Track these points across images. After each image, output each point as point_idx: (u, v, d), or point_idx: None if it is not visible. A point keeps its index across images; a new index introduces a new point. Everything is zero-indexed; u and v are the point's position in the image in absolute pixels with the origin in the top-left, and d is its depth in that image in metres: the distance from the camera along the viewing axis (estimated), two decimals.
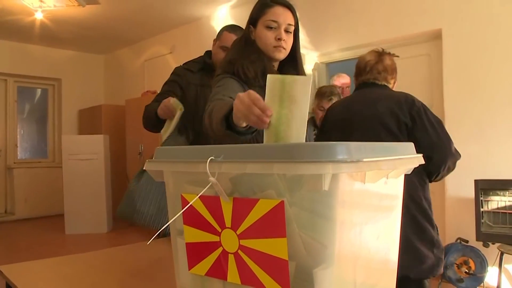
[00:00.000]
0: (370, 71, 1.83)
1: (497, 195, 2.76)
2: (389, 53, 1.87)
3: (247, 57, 1.43)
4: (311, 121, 2.89)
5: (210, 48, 2.22)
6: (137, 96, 5.90)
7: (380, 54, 1.86)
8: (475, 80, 3.20)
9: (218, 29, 2.19)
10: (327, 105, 2.69)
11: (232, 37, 1.93)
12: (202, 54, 2.18)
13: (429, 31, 3.47)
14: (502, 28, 3.07)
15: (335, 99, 2.72)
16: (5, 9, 4.87)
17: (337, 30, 4.08)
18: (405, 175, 1.24)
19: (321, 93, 2.76)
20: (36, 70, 6.63)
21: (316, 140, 2.38)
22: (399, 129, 1.67)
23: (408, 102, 1.69)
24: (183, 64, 2.12)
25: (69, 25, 5.59)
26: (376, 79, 1.82)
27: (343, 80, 3.59)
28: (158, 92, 2.15)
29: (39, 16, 4.95)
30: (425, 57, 3.61)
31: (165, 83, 2.09)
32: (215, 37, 2.14)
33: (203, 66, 2.05)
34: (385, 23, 3.70)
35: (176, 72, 2.08)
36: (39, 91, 7.04)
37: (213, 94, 1.37)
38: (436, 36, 3.46)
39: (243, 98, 0.90)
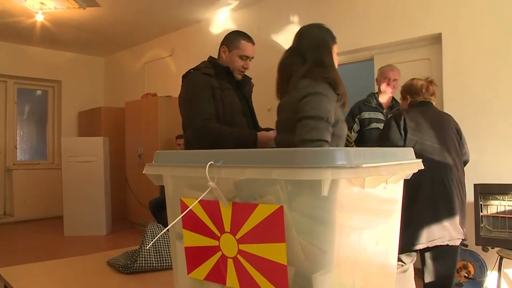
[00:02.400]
0: (426, 92, 2.41)
1: (496, 199, 2.75)
2: (432, 81, 2.47)
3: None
4: None
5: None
6: (137, 99, 5.91)
7: (429, 81, 2.45)
8: (474, 84, 3.21)
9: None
10: None
11: (253, 49, 2.15)
12: (205, 60, 2.21)
13: (429, 35, 3.48)
14: (502, 32, 3.08)
15: None
16: (6, 11, 4.88)
17: (337, 34, 4.06)
18: (458, 168, 1.88)
19: None
20: (36, 72, 6.64)
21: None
22: (457, 136, 2.35)
23: (455, 120, 2.41)
24: (194, 70, 2.10)
25: (70, 27, 5.60)
26: (430, 99, 2.42)
27: (396, 75, 3.13)
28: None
29: (39, 18, 4.96)
30: (425, 61, 3.61)
31: (195, 95, 2.02)
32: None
33: (216, 70, 2.10)
34: (385, 28, 3.71)
35: (197, 78, 2.05)
36: (39, 93, 7.04)
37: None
38: (436, 40, 3.47)
39: None
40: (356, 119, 3.18)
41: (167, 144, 5.24)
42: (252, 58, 2.18)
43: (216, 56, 2.21)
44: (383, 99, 3.21)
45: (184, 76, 2.15)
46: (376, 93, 3.25)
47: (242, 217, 0.70)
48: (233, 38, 2.15)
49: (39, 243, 4.90)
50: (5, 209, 6.40)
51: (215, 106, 2.02)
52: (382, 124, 3.01)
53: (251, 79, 2.32)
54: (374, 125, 3.08)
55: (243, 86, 2.25)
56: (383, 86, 3.15)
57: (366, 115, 3.14)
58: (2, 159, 6.44)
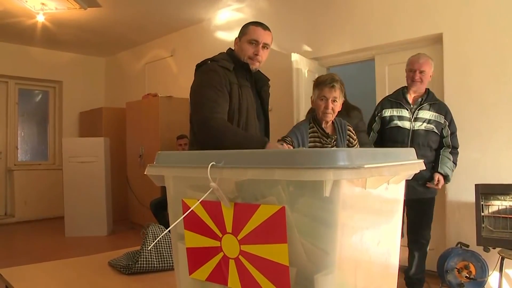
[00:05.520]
0: None
1: (498, 199, 2.75)
2: None
3: None
4: (308, 119, 2.41)
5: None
6: (138, 99, 5.91)
7: None
8: (475, 85, 3.21)
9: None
10: (329, 93, 2.25)
11: (264, 34, 1.95)
12: (223, 51, 2.07)
13: (429, 35, 3.48)
14: (502, 32, 3.07)
15: (337, 86, 2.27)
16: (7, 11, 4.89)
17: (338, 34, 4.09)
18: None
19: (321, 81, 2.32)
20: (37, 73, 6.65)
21: None
22: None
23: None
24: (212, 61, 1.93)
25: (71, 28, 5.61)
26: None
27: (423, 66, 2.82)
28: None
29: (40, 18, 4.97)
30: None
31: (211, 86, 1.83)
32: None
33: (235, 64, 1.95)
34: (386, 28, 3.71)
35: (214, 69, 1.88)
36: (40, 93, 7.05)
37: None
38: (437, 40, 3.46)
39: None
40: (377, 118, 2.96)
41: (168, 145, 5.25)
42: (266, 45, 1.98)
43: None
44: (412, 94, 2.87)
45: (198, 66, 1.98)
46: (405, 87, 2.91)
47: (244, 218, 0.70)
48: (243, 27, 2.02)
49: (40, 244, 4.91)
50: (6, 210, 6.41)
51: (231, 103, 1.87)
52: (405, 122, 2.81)
53: (269, 80, 2.14)
54: (394, 123, 2.83)
55: (260, 86, 2.08)
56: (408, 81, 2.86)
57: (388, 112, 2.89)
58: (3, 159, 6.45)
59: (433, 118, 2.79)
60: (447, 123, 2.82)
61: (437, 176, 2.75)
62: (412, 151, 0.89)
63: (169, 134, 5.26)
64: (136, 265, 1.33)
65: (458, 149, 2.85)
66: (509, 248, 2.65)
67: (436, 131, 2.80)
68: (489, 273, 2.83)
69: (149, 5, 4.88)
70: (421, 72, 2.77)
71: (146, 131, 5.53)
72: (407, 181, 2.85)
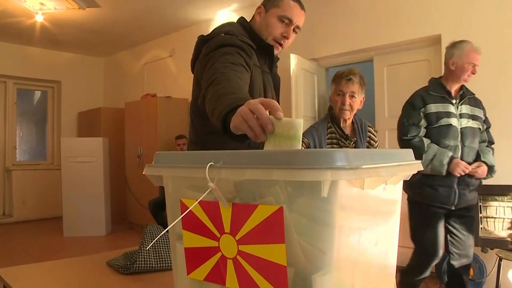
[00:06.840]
0: None
1: (496, 200, 2.76)
2: None
3: None
4: (327, 117, 2.22)
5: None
6: (137, 99, 5.91)
7: None
8: (474, 85, 3.20)
9: None
10: (346, 87, 2.08)
11: (300, 13, 1.50)
12: (232, 22, 1.61)
13: (428, 36, 3.49)
14: (501, 33, 3.08)
15: (356, 80, 2.09)
16: (5, 11, 4.88)
17: (337, 35, 4.09)
18: None
19: (338, 75, 2.15)
20: (35, 72, 6.64)
21: None
22: None
23: None
24: (227, 35, 1.38)
25: (70, 28, 5.60)
26: None
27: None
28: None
29: (39, 18, 4.96)
30: (425, 63, 3.62)
31: (226, 52, 1.29)
32: None
33: (254, 41, 1.46)
34: (385, 29, 3.72)
35: (236, 44, 1.34)
36: (38, 93, 7.05)
37: None
38: (436, 42, 3.47)
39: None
40: (421, 113, 2.45)
41: (166, 145, 5.25)
42: (298, 29, 1.51)
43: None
44: (453, 87, 2.48)
45: (205, 39, 1.48)
46: (440, 77, 2.54)
47: (242, 218, 0.70)
48: None
49: (39, 243, 4.90)
50: (4, 210, 6.40)
51: (256, 92, 1.38)
52: (454, 119, 2.41)
53: (278, 59, 1.63)
54: (444, 121, 2.39)
55: (274, 72, 1.62)
56: (466, 75, 2.43)
57: (433, 108, 2.42)
58: (1, 159, 6.44)
59: (475, 114, 2.47)
60: (484, 118, 2.57)
61: (478, 162, 2.42)
62: (410, 151, 0.89)
63: (167, 134, 5.26)
64: (134, 265, 1.33)
65: (493, 145, 2.59)
66: (507, 249, 2.66)
67: (480, 127, 2.50)
68: (487, 274, 2.84)
69: (148, 5, 4.88)
70: (477, 66, 2.46)
71: (145, 131, 5.53)
72: (458, 189, 2.53)
